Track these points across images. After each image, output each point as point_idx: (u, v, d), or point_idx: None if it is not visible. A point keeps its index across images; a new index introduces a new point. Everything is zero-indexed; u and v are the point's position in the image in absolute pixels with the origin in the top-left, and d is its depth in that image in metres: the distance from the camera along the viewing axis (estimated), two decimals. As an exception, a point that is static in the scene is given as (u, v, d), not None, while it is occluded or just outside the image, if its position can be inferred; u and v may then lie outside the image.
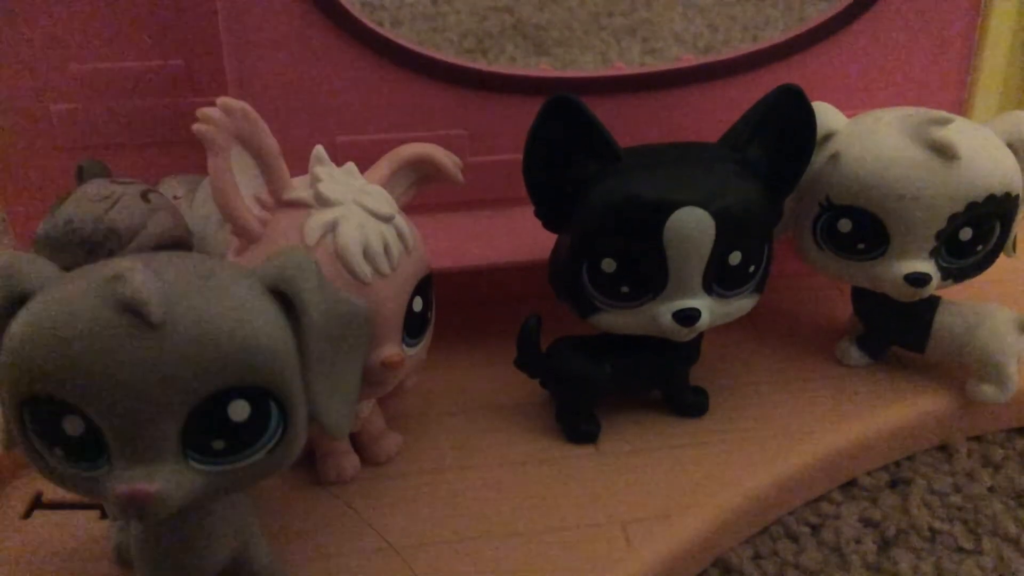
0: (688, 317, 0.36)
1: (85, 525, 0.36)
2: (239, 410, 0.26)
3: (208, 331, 0.25)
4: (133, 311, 0.25)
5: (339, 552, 0.34)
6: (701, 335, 0.39)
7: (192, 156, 0.40)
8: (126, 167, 0.41)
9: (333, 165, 0.34)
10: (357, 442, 0.38)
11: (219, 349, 0.26)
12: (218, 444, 0.27)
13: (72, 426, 0.26)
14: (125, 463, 0.26)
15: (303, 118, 0.42)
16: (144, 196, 0.37)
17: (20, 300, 0.26)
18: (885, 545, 0.37)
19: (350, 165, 0.34)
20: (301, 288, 0.27)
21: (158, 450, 0.26)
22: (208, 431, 0.26)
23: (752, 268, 0.37)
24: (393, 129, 0.43)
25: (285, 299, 0.27)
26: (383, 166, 0.36)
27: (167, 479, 0.26)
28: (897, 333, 0.43)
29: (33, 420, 0.26)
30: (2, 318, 0.26)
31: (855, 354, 0.44)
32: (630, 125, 0.42)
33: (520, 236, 0.43)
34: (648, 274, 0.36)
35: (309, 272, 0.28)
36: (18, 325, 0.26)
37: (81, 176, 0.38)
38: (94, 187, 0.36)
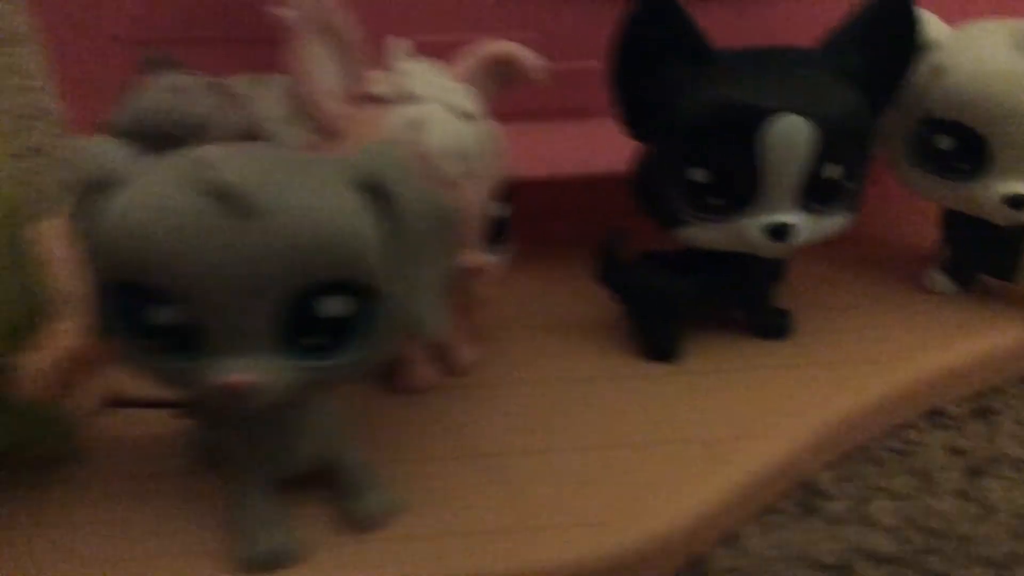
0: (781, 232, 0.34)
1: (160, 423, 0.35)
2: (333, 306, 0.26)
3: (300, 220, 0.25)
4: (225, 198, 0.24)
5: (423, 458, 0.33)
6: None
7: (249, 55, 0.39)
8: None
9: (415, 61, 0.32)
10: (434, 353, 0.37)
11: (310, 239, 0.25)
12: (312, 339, 0.26)
13: (165, 315, 0.25)
14: (220, 355, 0.25)
15: (370, 17, 0.41)
16: (216, 90, 0.35)
17: (107, 185, 0.25)
18: (972, 474, 0.36)
19: (432, 61, 0.33)
20: (395, 182, 0.26)
21: (253, 342, 0.25)
22: (302, 326, 0.26)
23: (849, 183, 0.35)
24: (463, 30, 0.41)
25: (376, 193, 0.26)
26: (463, 64, 0.34)
27: (263, 371, 0.25)
28: (986, 261, 0.41)
29: (126, 310, 0.26)
30: (89, 202, 0.26)
31: (943, 282, 0.42)
32: (720, 30, 0.40)
33: (594, 148, 0.42)
34: (741, 185, 0.34)
35: (403, 167, 0.27)
36: (110, 212, 0.25)
37: (148, 67, 0.37)
38: (167, 79, 0.35)
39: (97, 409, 0.35)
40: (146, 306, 0.25)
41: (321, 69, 0.30)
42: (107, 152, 0.26)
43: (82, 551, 0.30)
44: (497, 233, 0.34)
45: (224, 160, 0.24)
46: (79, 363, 0.38)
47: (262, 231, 0.24)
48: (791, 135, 0.33)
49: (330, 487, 0.31)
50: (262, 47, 0.43)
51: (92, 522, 0.31)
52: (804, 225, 0.35)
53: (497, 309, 0.41)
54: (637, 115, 0.35)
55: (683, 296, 0.37)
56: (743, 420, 0.35)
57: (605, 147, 0.40)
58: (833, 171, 0.34)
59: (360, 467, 0.31)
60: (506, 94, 0.36)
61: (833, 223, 0.36)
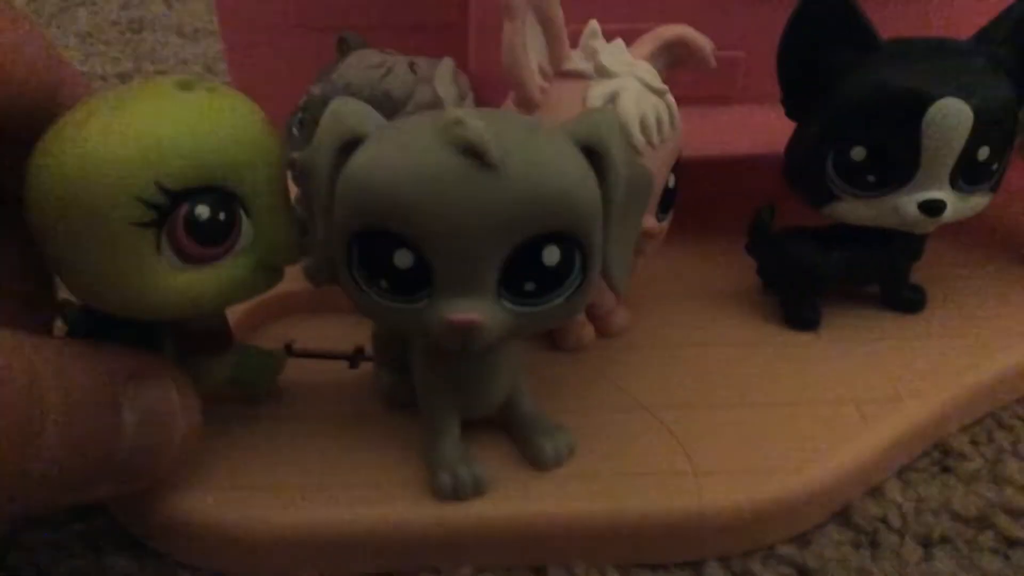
0: (935, 208, 0.37)
1: (335, 374, 0.38)
2: (551, 255, 0.28)
3: (538, 177, 0.27)
4: (472, 153, 0.26)
5: (588, 408, 0.36)
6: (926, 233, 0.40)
7: (415, 42, 0.42)
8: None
9: (605, 41, 0.35)
10: (590, 315, 0.40)
11: (546, 193, 0.27)
12: (529, 286, 0.28)
13: (402, 259, 0.28)
14: (448, 296, 0.28)
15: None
16: (412, 67, 0.38)
17: (352, 143, 0.28)
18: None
19: (620, 41, 0.36)
20: (612, 146, 0.29)
21: (480, 286, 0.28)
22: (522, 272, 0.28)
23: (996, 165, 0.38)
24: (630, 19, 0.44)
25: (594, 155, 0.29)
26: (644, 45, 0.37)
27: (488, 311, 0.28)
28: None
29: (364, 254, 0.28)
30: (336, 158, 0.28)
31: (1068, 264, 0.45)
32: (883, 23, 0.42)
33: (736, 132, 0.44)
34: (899, 164, 0.37)
35: (618, 132, 0.29)
36: (358, 164, 0.28)
37: (345, 47, 0.40)
38: (368, 55, 0.38)
39: (285, 355, 0.38)
40: (387, 251, 0.28)
41: (530, 46, 0.33)
42: (357, 110, 0.29)
43: (290, 476, 0.33)
44: (669, 201, 0.37)
45: (471, 117, 0.27)
46: (279, 308, 0.41)
47: (504, 185, 0.27)
48: (953, 118, 0.35)
49: (507, 430, 0.34)
50: (420, 34, 0.46)
51: (297, 452, 0.34)
52: (954, 203, 0.37)
53: (646, 277, 0.44)
54: (801, 96, 0.38)
55: (827, 270, 0.40)
56: (888, 385, 0.37)
57: (746, 132, 0.43)
58: (983, 153, 0.37)
59: (537, 411, 0.34)
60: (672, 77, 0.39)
61: (978, 202, 0.39)
